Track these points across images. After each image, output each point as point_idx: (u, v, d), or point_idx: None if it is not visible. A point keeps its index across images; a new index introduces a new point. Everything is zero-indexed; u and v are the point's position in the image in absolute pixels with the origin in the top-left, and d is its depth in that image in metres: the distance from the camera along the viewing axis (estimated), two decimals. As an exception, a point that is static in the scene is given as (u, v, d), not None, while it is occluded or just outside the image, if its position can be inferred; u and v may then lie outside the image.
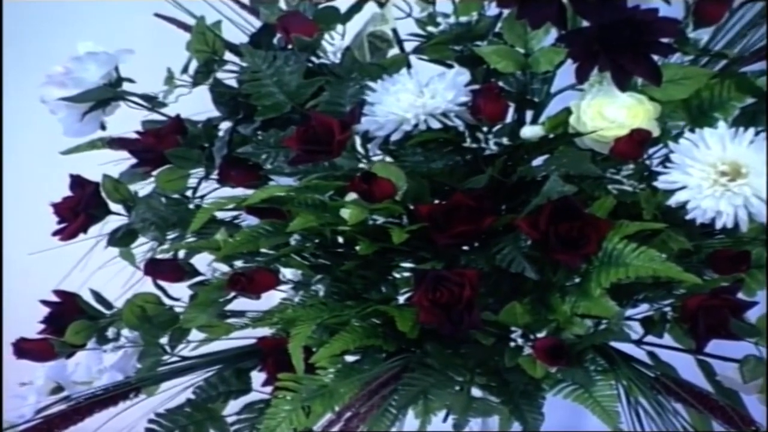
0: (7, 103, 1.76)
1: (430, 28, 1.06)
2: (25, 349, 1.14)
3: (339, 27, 1.10)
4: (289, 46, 1.09)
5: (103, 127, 1.17)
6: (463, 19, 1.05)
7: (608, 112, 0.97)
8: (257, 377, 1.10)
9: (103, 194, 1.15)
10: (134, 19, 1.42)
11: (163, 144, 1.10)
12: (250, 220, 1.09)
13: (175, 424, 1.11)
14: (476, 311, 0.95)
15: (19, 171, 1.75)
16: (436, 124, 1.00)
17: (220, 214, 1.10)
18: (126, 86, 1.16)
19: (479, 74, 1.04)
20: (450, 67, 1.06)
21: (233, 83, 1.11)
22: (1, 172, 1.73)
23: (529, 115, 1.06)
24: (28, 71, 1.21)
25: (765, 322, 1.00)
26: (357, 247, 1.00)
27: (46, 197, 1.15)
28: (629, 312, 1.03)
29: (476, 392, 1.04)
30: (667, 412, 1.00)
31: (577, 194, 0.95)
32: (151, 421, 1.11)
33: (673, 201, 0.93)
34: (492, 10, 1.05)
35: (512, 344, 0.97)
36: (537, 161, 1.02)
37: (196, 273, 1.11)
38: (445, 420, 1.07)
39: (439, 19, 1.06)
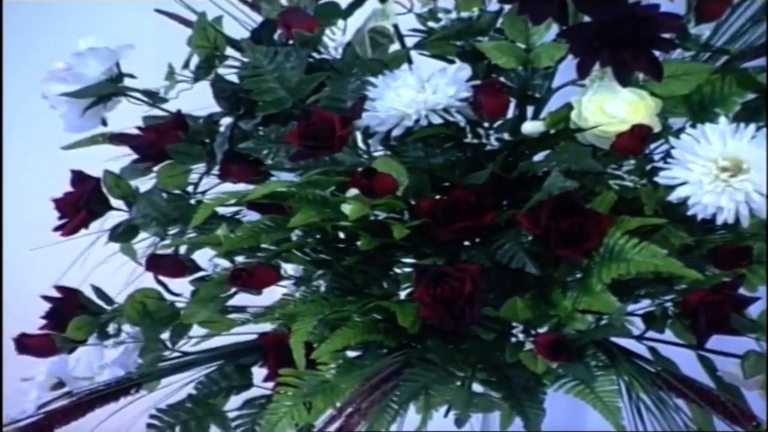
0: (8, 98, 1.76)
1: (431, 24, 1.06)
2: (26, 344, 1.14)
3: (340, 23, 1.10)
4: (290, 42, 1.09)
5: (104, 123, 1.17)
6: (464, 14, 1.04)
7: (609, 107, 0.97)
8: (258, 373, 1.10)
9: (104, 190, 1.15)
10: (136, 15, 1.42)
11: (164, 140, 1.10)
12: (251, 216, 1.09)
13: (176, 420, 1.11)
14: (477, 307, 0.95)
15: (20, 166, 1.75)
16: (437, 120, 1.00)
17: (221, 210, 1.10)
18: (127, 82, 1.16)
19: (480, 70, 1.04)
20: (451, 62, 1.06)
21: (234, 79, 1.11)
22: (1, 168, 1.73)
23: (530, 110, 1.06)
24: (30, 67, 1.21)
25: (766, 318, 1.00)
26: (358, 243, 1.00)
27: (48, 193, 1.15)
28: (630, 307, 1.03)
29: (477, 388, 1.04)
30: (668, 407, 1.00)
31: (578, 190, 0.95)
32: (152, 416, 1.11)
33: (674, 196, 0.93)
34: (493, 5, 1.05)
35: (513, 340, 0.97)
36: (538, 157, 1.02)
37: (198, 268, 1.11)
38: (446, 415, 1.07)
39: (441, 15, 1.06)
